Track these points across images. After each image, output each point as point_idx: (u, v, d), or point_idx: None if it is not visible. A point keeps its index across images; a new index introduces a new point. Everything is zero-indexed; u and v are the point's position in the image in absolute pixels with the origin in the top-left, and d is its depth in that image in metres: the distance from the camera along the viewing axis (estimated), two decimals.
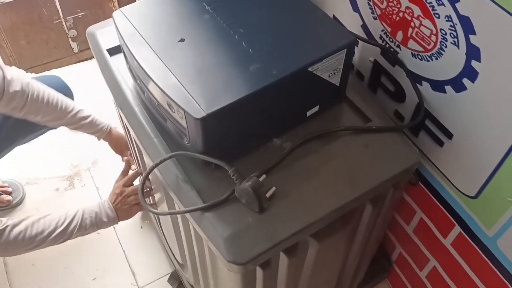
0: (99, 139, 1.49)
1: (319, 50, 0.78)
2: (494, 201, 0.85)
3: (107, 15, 2.24)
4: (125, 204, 1.24)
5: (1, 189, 1.68)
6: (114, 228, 1.61)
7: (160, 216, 1.31)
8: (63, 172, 1.79)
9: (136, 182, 1.34)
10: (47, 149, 1.84)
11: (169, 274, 1.47)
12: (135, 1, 2.04)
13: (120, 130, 1.50)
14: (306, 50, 0.78)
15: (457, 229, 0.99)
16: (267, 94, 0.75)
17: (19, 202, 1.70)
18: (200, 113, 0.69)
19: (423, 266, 1.19)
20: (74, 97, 1.51)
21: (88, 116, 1.40)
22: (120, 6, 2.18)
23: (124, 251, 1.58)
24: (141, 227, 1.60)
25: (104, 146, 1.61)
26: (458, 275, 1.06)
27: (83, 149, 1.85)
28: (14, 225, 1.07)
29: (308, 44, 0.80)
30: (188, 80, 0.73)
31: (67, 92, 1.45)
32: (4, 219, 1.07)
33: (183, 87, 0.72)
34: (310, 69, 0.77)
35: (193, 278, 1.16)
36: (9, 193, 1.69)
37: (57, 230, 1.13)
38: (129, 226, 1.61)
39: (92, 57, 2.15)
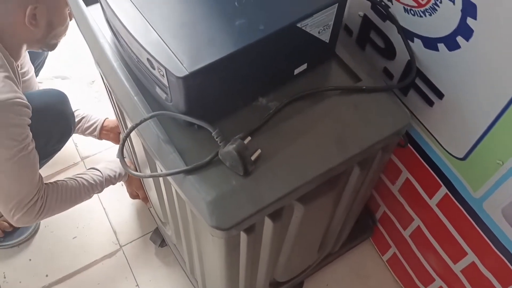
0: (100, 139, 1.50)
1: (308, 5, 0.73)
2: (482, 164, 0.84)
3: None
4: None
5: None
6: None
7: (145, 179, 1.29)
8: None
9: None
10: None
11: (151, 232, 1.46)
12: None
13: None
14: (295, 5, 0.74)
15: (443, 190, 0.98)
16: (254, 51, 0.71)
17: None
18: (183, 72, 0.65)
19: (407, 226, 1.19)
20: None
21: (82, 114, 1.47)
22: None
23: (104, 208, 1.56)
24: (122, 184, 1.56)
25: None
26: (442, 235, 1.06)
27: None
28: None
29: None
30: (170, 35, 0.68)
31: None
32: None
33: (165, 43, 0.67)
34: (299, 25, 0.73)
35: (175, 238, 1.15)
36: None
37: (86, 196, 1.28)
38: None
39: None
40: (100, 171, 1.31)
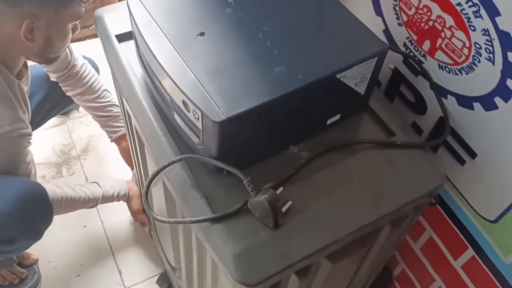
0: (111, 141, 1.49)
1: (349, 56, 0.72)
2: None
3: None
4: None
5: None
6: (102, 222, 1.54)
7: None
8: (51, 159, 1.71)
9: None
10: (34, 134, 1.75)
11: (158, 275, 1.41)
12: None
13: None
14: (335, 55, 0.73)
15: (470, 252, 0.94)
16: (291, 100, 0.69)
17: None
18: (219, 116, 0.63)
19: (427, 286, 1.15)
20: None
21: (117, 113, 1.45)
22: None
23: (111, 247, 1.51)
24: (130, 223, 1.53)
25: (96, 134, 1.54)
26: None
27: (74, 136, 1.77)
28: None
29: (337, 49, 0.74)
30: (207, 78, 0.67)
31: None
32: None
33: (202, 85, 0.66)
34: (338, 76, 0.71)
35: (186, 285, 1.10)
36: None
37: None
38: (118, 220, 1.54)
39: (86, 38, 2.06)
40: (100, 187, 1.32)
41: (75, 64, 1.39)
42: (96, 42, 2.01)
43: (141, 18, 0.74)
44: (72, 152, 1.73)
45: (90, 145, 1.75)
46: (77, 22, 1.09)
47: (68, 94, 1.45)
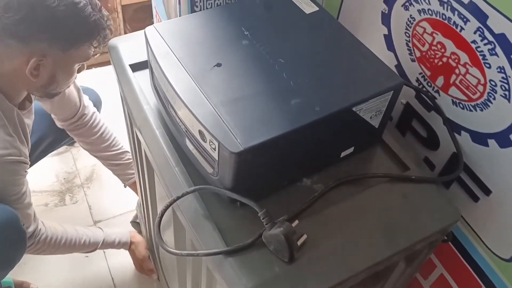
0: (125, 186, 1.49)
1: (365, 90, 0.72)
2: None
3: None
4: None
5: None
6: (107, 261, 1.51)
7: (161, 249, 1.23)
8: (54, 187, 1.69)
9: None
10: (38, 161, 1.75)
11: None
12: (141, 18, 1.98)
13: None
14: (351, 88, 0.73)
15: None
16: (308, 131, 0.69)
17: None
18: (237, 147, 0.62)
19: None
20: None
21: (129, 159, 1.44)
22: (124, 17, 2.10)
23: (114, 285, 1.48)
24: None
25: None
26: None
27: (78, 164, 1.76)
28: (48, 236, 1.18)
29: (353, 82, 0.74)
30: (224, 109, 0.67)
31: (98, 106, 1.50)
32: (42, 228, 1.17)
33: (219, 116, 0.65)
34: (354, 108, 0.71)
35: None
36: None
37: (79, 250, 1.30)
38: (122, 259, 1.49)
39: (92, 67, 2.07)
40: (102, 231, 1.32)
41: (85, 114, 1.37)
42: (99, 71, 2.03)
43: (159, 48, 0.74)
44: (76, 180, 1.72)
45: (94, 174, 1.74)
46: (84, 62, 1.09)
47: (79, 144, 1.45)
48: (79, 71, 1.11)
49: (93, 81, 1.59)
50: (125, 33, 2.08)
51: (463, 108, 0.83)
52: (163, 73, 0.71)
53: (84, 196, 1.67)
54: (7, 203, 1.01)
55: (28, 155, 1.09)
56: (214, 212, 0.73)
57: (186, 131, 0.72)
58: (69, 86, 1.14)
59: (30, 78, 0.99)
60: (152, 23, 1.15)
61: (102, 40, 1.02)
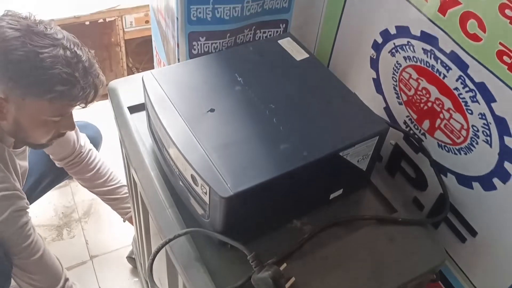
0: (124, 221, 1.50)
1: (351, 135, 0.75)
2: None
3: (114, 59, 2.20)
4: None
5: None
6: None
7: None
8: (52, 221, 1.71)
9: None
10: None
11: None
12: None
13: None
14: (338, 134, 0.76)
15: None
16: (296, 176, 0.71)
17: None
18: (227, 192, 0.65)
19: None
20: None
21: (126, 194, 1.46)
22: (127, 51, 2.16)
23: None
24: None
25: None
26: None
27: (76, 198, 1.78)
28: None
29: (340, 127, 0.77)
30: (216, 154, 0.69)
31: (99, 141, 1.55)
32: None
33: (211, 161, 0.68)
34: (341, 153, 0.74)
35: None
36: None
37: None
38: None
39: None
40: None
41: (82, 152, 1.41)
42: (101, 105, 2.06)
43: (155, 93, 0.78)
44: (74, 215, 1.73)
45: (92, 208, 1.76)
46: (58, 119, 1.02)
47: (77, 182, 1.48)
48: (58, 129, 1.06)
49: (95, 115, 1.62)
50: (128, 66, 2.13)
51: (448, 151, 0.85)
52: (158, 118, 0.74)
53: (82, 230, 1.69)
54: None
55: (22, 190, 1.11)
56: (205, 253, 0.75)
57: (179, 174, 0.75)
58: (49, 140, 1.08)
59: None
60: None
61: (82, 98, 0.99)
